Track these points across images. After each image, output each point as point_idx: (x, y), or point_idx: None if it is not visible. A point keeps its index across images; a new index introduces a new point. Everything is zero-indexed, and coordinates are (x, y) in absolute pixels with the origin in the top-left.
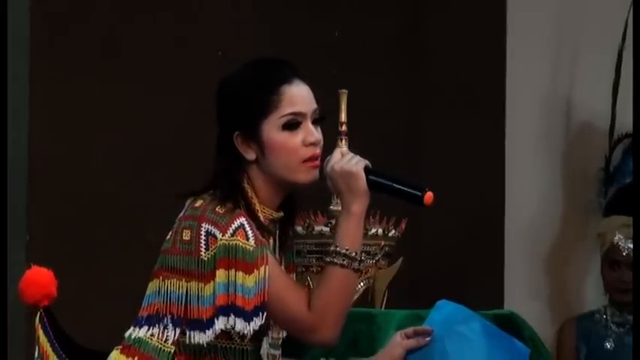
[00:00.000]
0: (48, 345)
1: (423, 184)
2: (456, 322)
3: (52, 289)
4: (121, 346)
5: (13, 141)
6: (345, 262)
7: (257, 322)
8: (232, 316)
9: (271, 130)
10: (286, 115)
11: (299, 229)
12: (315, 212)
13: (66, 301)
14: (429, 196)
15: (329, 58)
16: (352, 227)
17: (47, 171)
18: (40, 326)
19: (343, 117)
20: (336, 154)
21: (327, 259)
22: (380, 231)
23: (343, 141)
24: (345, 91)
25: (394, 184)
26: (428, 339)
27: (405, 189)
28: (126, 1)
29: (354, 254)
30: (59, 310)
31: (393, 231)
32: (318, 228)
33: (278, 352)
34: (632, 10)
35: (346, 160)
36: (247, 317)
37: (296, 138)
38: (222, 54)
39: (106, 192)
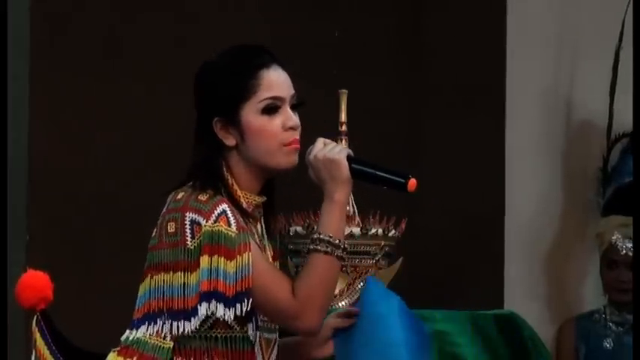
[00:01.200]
0: (45, 348)
1: (406, 171)
2: (376, 301)
3: (48, 293)
4: (118, 349)
5: (13, 141)
6: (328, 249)
7: (239, 308)
8: (214, 302)
9: (250, 114)
10: (265, 99)
11: (299, 229)
12: (315, 212)
13: (66, 301)
14: (412, 182)
15: (329, 58)
16: (335, 215)
17: (47, 171)
18: (37, 330)
19: (343, 117)
20: (319, 143)
21: (311, 247)
22: (380, 231)
23: (343, 141)
24: (345, 91)
25: (377, 172)
26: (354, 319)
27: (389, 176)
28: (126, 1)
29: (337, 241)
30: (59, 311)
31: (393, 231)
32: None
33: (274, 336)
34: (629, 10)
35: (329, 149)
36: (228, 303)
37: (275, 122)
38: None
39: (106, 192)
